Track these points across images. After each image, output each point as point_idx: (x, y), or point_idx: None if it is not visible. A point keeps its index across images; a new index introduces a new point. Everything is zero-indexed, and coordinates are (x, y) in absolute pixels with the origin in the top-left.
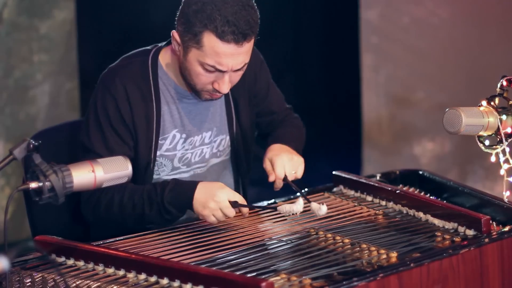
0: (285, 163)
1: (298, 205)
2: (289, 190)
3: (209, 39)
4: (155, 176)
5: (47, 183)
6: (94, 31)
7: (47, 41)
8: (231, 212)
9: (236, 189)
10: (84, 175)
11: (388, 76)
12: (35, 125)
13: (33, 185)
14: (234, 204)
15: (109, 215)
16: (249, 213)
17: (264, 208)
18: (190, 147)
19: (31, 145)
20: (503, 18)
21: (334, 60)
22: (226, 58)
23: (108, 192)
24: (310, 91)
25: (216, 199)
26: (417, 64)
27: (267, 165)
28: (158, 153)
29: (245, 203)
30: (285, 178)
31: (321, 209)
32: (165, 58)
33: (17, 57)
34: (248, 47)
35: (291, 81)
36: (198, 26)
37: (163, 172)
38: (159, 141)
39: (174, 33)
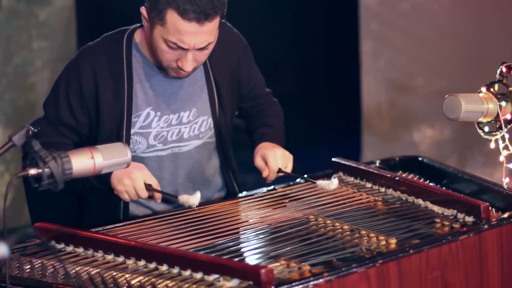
0: (277, 157)
1: (333, 183)
2: (287, 178)
3: (172, 17)
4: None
5: (46, 170)
6: (93, 17)
7: (47, 28)
8: (144, 193)
9: (225, 172)
10: (83, 161)
11: (387, 62)
12: (34, 111)
13: (33, 171)
14: (148, 186)
15: None
16: (248, 200)
17: (168, 195)
18: (165, 125)
19: (30, 132)
20: (502, 5)
21: (334, 46)
22: (188, 36)
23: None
24: (309, 78)
25: (132, 177)
26: (417, 50)
27: (258, 162)
28: (132, 130)
29: (159, 188)
30: (279, 170)
31: (332, 183)
32: (140, 35)
33: (17, 44)
34: (211, 26)
35: (290, 68)
36: (162, 3)
37: (138, 149)
38: (132, 119)
39: (143, 9)
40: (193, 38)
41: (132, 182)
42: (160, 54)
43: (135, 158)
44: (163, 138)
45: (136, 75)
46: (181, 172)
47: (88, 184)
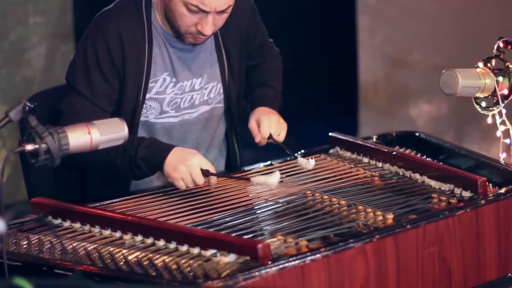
0: (271, 123)
1: (274, 177)
2: (283, 153)
3: None
4: (142, 118)
5: (43, 145)
6: None
7: (43, 3)
8: (201, 179)
9: (229, 139)
10: (80, 137)
11: (384, 37)
12: (31, 87)
13: (29, 147)
14: (205, 172)
15: (81, 155)
16: (245, 176)
17: (237, 178)
18: (179, 92)
19: (27, 107)
20: None
21: (331, 22)
22: None
23: None
24: (306, 53)
25: (188, 163)
26: (414, 25)
27: (252, 124)
28: (147, 95)
29: (215, 172)
30: (270, 137)
31: (309, 163)
32: (156, 3)
33: (13, 20)
34: None
35: (287, 43)
36: None
37: (151, 114)
38: (149, 84)
39: None
40: (214, 0)
41: (189, 168)
42: (179, 19)
43: (146, 124)
44: (176, 105)
45: (156, 40)
46: (189, 137)
47: (137, 171)
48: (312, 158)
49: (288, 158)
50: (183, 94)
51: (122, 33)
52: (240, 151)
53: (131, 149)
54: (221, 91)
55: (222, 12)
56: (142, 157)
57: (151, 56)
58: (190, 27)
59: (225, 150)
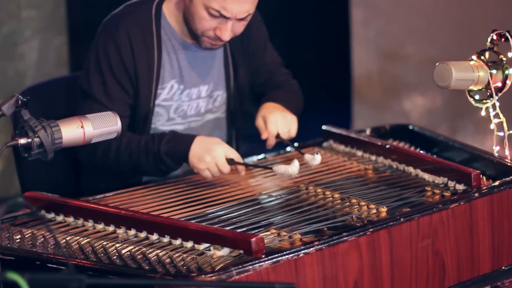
0: (278, 120)
1: (294, 167)
2: (280, 146)
3: None
4: (151, 125)
5: (36, 139)
6: None
7: None
8: (227, 168)
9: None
10: (73, 130)
11: (378, 30)
12: (24, 81)
13: (22, 141)
14: (230, 161)
15: (105, 161)
16: (264, 167)
17: (260, 167)
18: (186, 99)
19: (20, 101)
20: None
21: (324, 14)
22: (232, 4)
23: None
24: (299, 46)
25: (213, 154)
26: (408, 18)
27: (259, 122)
28: (156, 102)
29: (241, 161)
30: (278, 136)
31: (315, 159)
32: (169, 6)
33: (5, 13)
34: None
35: (280, 36)
36: None
37: (158, 122)
38: (158, 90)
39: None
40: (236, 7)
41: (214, 159)
42: (198, 22)
43: (154, 131)
44: (183, 112)
45: (165, 46)
46: None
47: (164, 166)
48: (317, 153)
49: (283, 151)
50: (190, 101)
51: (131, 38)
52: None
53: (153, 146)
54: (226, 100)
55: (242, 19)
56: (166, 152)
57: (160, 62)
58: (209, 31)
59: None
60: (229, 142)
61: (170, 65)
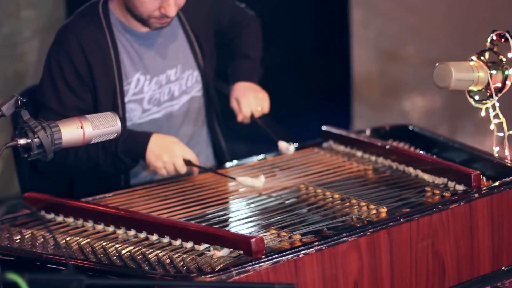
0: (250, 101)
1: (260, 182)
2: (275, 149)
3: None
4: (128, 123)
5: (36, 140)
6: None
7: None
8: (184, 169)
9: (212, 128)
10: (73, 131)
11: (378, 31)
12: (23, 81)
13: (22, 141)
14: (187, 162)
15: (64, 164)
16: (239, 170)
17: (222, 175)
18: (157, 87)
19: (19, 102)
20: None
21: (324, 15)
22: None
23: (74, 155)
24: (299, 46)
25: (172, 153)
26: (408, 18)
27: (234, 104)
28: (125, 99)
29: (197, 162)
30: (252, 116)
31: (289, 149)
32: (114, 3)
33: (5, 13)
34: None
35: (280, 36)
36: None
37: (134, 117)
38: (124, 87)
39: None
40: None
41: (172, 158)
42: (140, 7)
43: (131, 127)
44: (156, 101)
45: (120, 43)
46: (175, 130)
47: (122, 165)
48: (291, 145)
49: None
50: (160, 88)
51: (83, 44)
52: (225, 141)
53: (110, 146)
54: (198, 78)
55: None
56: (123, 151)
57: (119, 59)
58: (154, 12)
59: (210, 141)
60: (208, 118)
61: (130, 59)
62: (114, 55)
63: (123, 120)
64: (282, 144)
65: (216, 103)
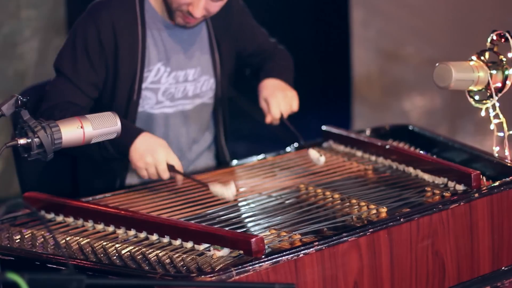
0: (279, 101)
1: (230, 191)
2: (279, 147)
3: None
4: (140, 109)
5: (36, 140)
6: None
7: None
8: (166, 175)
9: (217, 138)
10: (73, 131)
11: (378, 31)
12: (23, 81)
13: (22, 141)
14: (170, 167)
15: None
16: (239, 169)
17: (196, 181)
18: (174, 81)
19: (19, 101)
20: None
21: (324, 15)
22: None
23: (60, 110)
24: (299, 46)
25: (156, 156)
26: (408, 18)
27: (263, 105)
28: (143, 85)
29: (181, 169)
30: (281, 117)
31: (320, 160)
32: None
33: (5, 13)
34: None
35: (280, 36)
36: None
37: (147, 105)
38: (145, 73)
39: None
40: None
41: (155, 161)
42: None
43: (143, 114)
44: (171, 95)
45: (149, 29)
46: (181, 129)
47: (105, 152)
48: (322, 156)
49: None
50: (177, 84)
51: (115, 22)
52: (229, 151)
53: None
54: (213, 86)
55: None
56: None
57: (145, 45)
58: (182, 6)
59: (212, 143)
60: (215, 128)
61: (156, 47)
62: (141, 40)
63: (135, 104)
64: (313, 153)
65: (226, 115)
